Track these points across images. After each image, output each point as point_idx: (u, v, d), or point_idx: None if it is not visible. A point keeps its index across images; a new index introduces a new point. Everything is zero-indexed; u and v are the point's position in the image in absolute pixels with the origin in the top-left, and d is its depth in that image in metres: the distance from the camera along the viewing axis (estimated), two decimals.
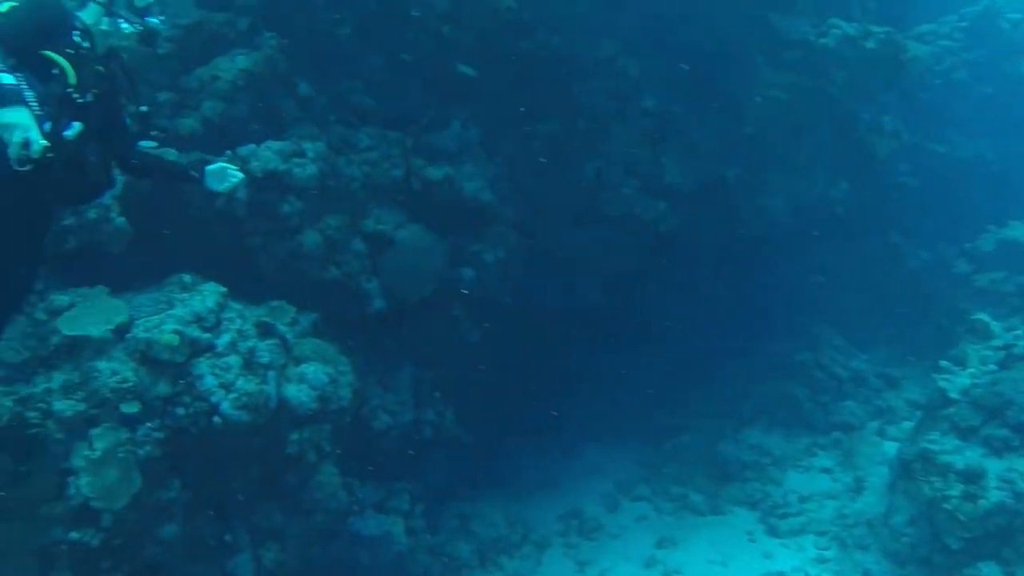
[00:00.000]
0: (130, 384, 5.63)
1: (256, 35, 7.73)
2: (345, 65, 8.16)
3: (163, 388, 5.78)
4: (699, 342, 9.98)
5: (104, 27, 4.11)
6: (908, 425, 9.30)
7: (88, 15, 4.09)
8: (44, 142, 3.37)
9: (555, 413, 9.39)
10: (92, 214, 5.99)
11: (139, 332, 5.83)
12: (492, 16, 7.97)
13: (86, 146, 3.79)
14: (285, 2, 7.89)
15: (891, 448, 9.13)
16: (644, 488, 9.49)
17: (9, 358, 5.45)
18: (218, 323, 6.26)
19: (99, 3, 4.08)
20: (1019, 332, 8.73)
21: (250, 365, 6.19)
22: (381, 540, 7.50)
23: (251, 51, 7.51)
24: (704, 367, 10.28)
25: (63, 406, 5.45)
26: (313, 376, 6.53)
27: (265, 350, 6.35)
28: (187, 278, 6.45)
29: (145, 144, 4.53)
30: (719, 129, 9.56)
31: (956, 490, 7.31)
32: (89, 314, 5.80)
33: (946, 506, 7.29)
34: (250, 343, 6.31)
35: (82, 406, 5.50)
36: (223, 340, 6.17)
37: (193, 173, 4.68)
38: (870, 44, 9.49)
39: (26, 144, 3.32)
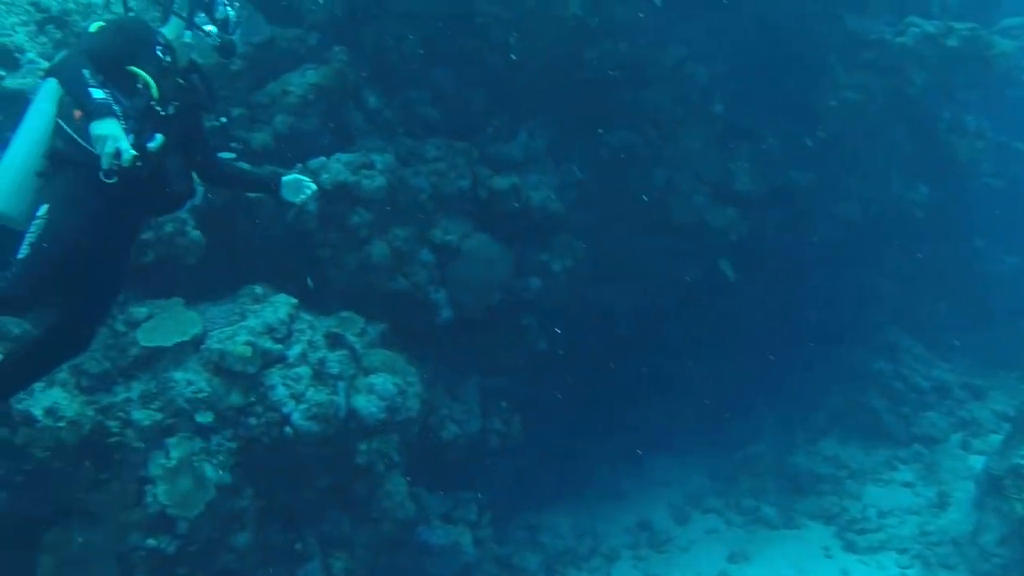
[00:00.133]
0: (204, 394, 5.75)
1: (325, 50, 7.82)
2: (412, 77, 8.20)
3: (236, 398, 5.88)
4: (770, 350, 9.77)
5: (187, 39, 4.23)
6: (996, 438, 8.95)
7: (170, 30, 4.23)
8: (134, 152, 3.49)
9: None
10: (169, 228, 6.12)
11: (213, 343, 5.94)
12: (558, 25, 7.92)
13: (168, 157, 3.93)
14: (353, 17, 7.97)
15: (977, 462, 8.80)
16: (714, 500, 9.34)
17: (91, 368, 5.59)
18: (289, 334, 6.35)
19: (181, 17, 4.20)
20: None
21: (320, 376, 6.26)
22: (448, 550, 7.51)
23: (320, 66, 7.60)
24: (775, 376, 10.06)
25: (141, 415, 5.59)
26: (382, 387, 6.57)
27: (335, 361, 6.41)
28: (259, 290, 6.55)
29: (224, 155, 4.66)
30: (790, 133, 9.38)
31: None
32: (166, 326, 5.92)
33: None
34: (320, 354, 6.38)
35: (159, 416, 5.63)
36: (294, 351, 6.26)
37: (270, 184, 4.78)
38: (952, 42, 9.19)
39: (117, 154, 3.44)
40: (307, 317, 6.61)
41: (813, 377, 10.21)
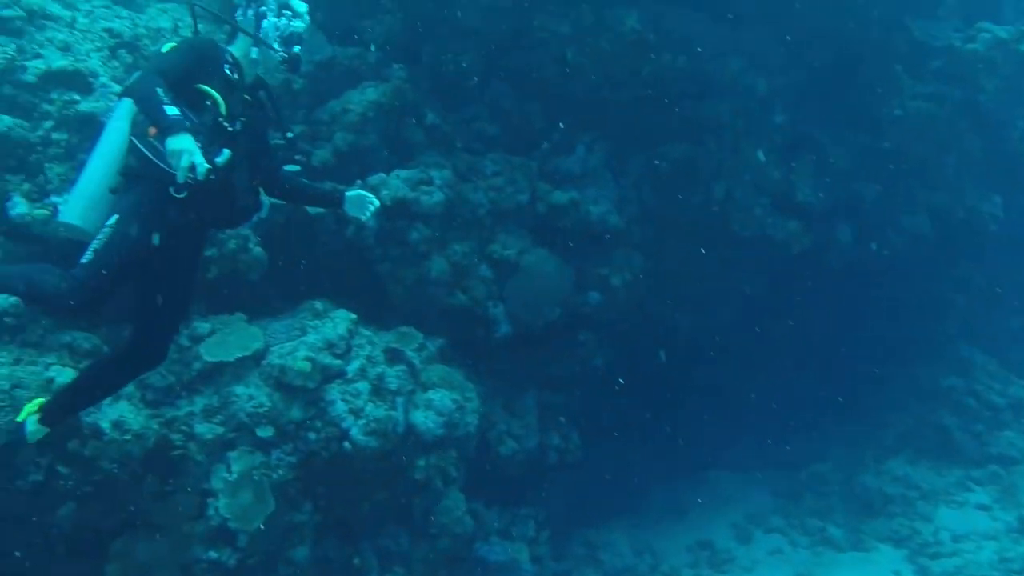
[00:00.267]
0: (265, 409, 5.82)
1: (385, 67, 7.91)
2: (470, 92, 8.25)
3: (296, 413, 5.95)
4: (835, 366, 9.54)
5: (254, 55, 4.34)
6: None
7: (237, 48, 4.34)
8: (208, 165, 3.58)
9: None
10: (232, 245, 6.24)
11: (274, 358, 6.02)
12: (616, 39, 7.89)
13: (235, 172, 4.02)
14: (412, 34, 8.06)
15: None
16: (778, 519, 9.13)
17: (156, 382, 5.71)
18: (348, 349, 6.40)
19: (248, 34, 4.30)
20: None
21: (379, 391, 6.30)
22: (506, 567, 7.47)
23: (380, 83, 7.69)
24: (841, 392, 9.81)
25: (204, 429, 5.69)
26: (440, 402, 6.58)
27: (393, 376, 6.45)
28: (319, 305, 6.62)
29: (289, 167, 4.75)
30: (854, 144, 9.18)
31: None
32: (228, 341, 6.02)
33: None
34: (379, 369, 6.42)
35: (221, 429, 5.72)
36: (353, 366, 6.31)
37: (333, 199, 4.86)
38: None
39: (192, 168, 3.53)
40: (366, 332, 6.66)
41: (881, 394, 9.95)
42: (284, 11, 4.45)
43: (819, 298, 9.19)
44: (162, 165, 3.81)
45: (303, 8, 4.49)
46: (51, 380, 4.91)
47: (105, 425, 5.16)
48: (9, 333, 5.13)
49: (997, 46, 9.03)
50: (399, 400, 6.38)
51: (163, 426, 5.56)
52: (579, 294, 8.23)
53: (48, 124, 5.67)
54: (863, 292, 9.50)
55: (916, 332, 9.95)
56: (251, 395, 5.84)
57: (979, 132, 9.41)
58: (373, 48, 8.00)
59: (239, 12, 4.44)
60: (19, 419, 4.27)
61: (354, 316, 6.59)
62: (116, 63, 6.28)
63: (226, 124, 4.03)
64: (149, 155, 3.87)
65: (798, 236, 8.86)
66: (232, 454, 5.70)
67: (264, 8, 4.39)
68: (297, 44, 4.44)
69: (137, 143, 3.92)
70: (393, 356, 6.60)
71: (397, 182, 7.32)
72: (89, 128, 5.64)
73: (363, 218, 4.86)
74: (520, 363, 8.25)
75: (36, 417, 4.25)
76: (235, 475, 5.62)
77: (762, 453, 9.78)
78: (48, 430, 4.28)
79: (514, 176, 8.02)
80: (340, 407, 6.06)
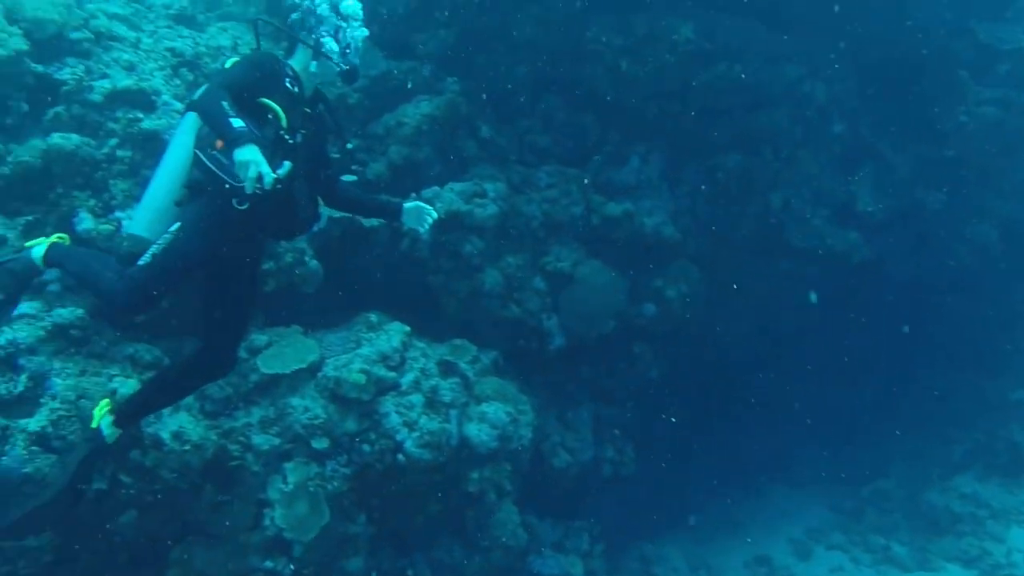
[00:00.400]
0: (320, 421, 5.89)
1: (439, 81, 7.97)
2: (523, 104, 8.26)
3: (351, 425, 6.00)
4: (896, 379, 9.30)
5: (313, 70, 4.43)
6: None
7: (297, 61, 4.44)
8: (275, 175, 3.67)
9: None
10: (289, 258, 6.32)
11: (329, 371, 6.09)
12: (671, 49, 7.84)
13: (295, 183, 4.10)
14: (466, 47, 8.11)
15: None
16: (839, 536, 8.94)
17: (214, 393, 5.81)
18: (402, 362, 6.44)
19: (308, 45, 4.38)
20: None
21: (433, 404, 6.32)
22: None
23: (434, 96, 7.75)
24: (904, 405, 9.58)
25: (260, 440, 5.77)
26: (494, 415, 6.58)
27: (447, 389, 6.47)
28: (374, 317, 6.68)
29: (346, 178, 4.83)
30: (916, 152, 8.97)
31: None
32: (284, 353, 6.11)
33: None
34: (433, 382, 6.45)
35: (277, 441, 5.80)
36: (407, 379, 6.34)
37: (391, 210, 4.94)
38: None
39: (260, 178, 3.62)
40: (420, 345, 6.70)
41: (945, 408, 9.65)
42: (342, 23, 4.54)
43: (879, 310, 8.99)
44: (226, 178, 3.92)
45: (357, 11, 4.58)
46: (114, 391, 5.02)
47: (165, 436, 5.27)
48: (75, 345, 5.25)
49: None
50: (453, 413, 6.39)
51: (221, 437, 5.64)
52: (633, 306, 8.18)
53: (113, 142, 5.82)
54: (925, 303, 9.26)
55: (982, 344, 9.64)
56: (307, 407, 5.91)
57: None
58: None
59: (298, 25, 4.54)
60: (93, 425, 4.42)
61: (408, 328, 6.64)
62: (178, 81, 6.43)
63: (287, 137, 4.13)
64: (213, 168, 3.98)
65: (858, 247, 8.70)
66: (288, 465, 5.77)
67: (323, 20, 4.48)
68: (354, 55, 4.53)
69: (202, 156, 4.03)
70: (447, 369, 6.63)
71: (451, 195, 7.36)
72: (152, 145, 5.79)
73: (421, 229, 4.93)
74: (574, 375, 8.24)
75: (110, 420, 4.45)
76: (291, 486, 5.70)
77: (820, 467, 9.59)
78: (121, 432, 4.50)
79: (568, 188, 8.02)
80: (394, 419, 6.09)
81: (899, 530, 8.89)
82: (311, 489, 5.72)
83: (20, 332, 5.04)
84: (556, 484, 7.87)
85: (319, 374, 6.09)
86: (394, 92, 7.84)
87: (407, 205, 4.89)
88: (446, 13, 8.02)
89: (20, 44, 5.63)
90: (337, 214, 6.42)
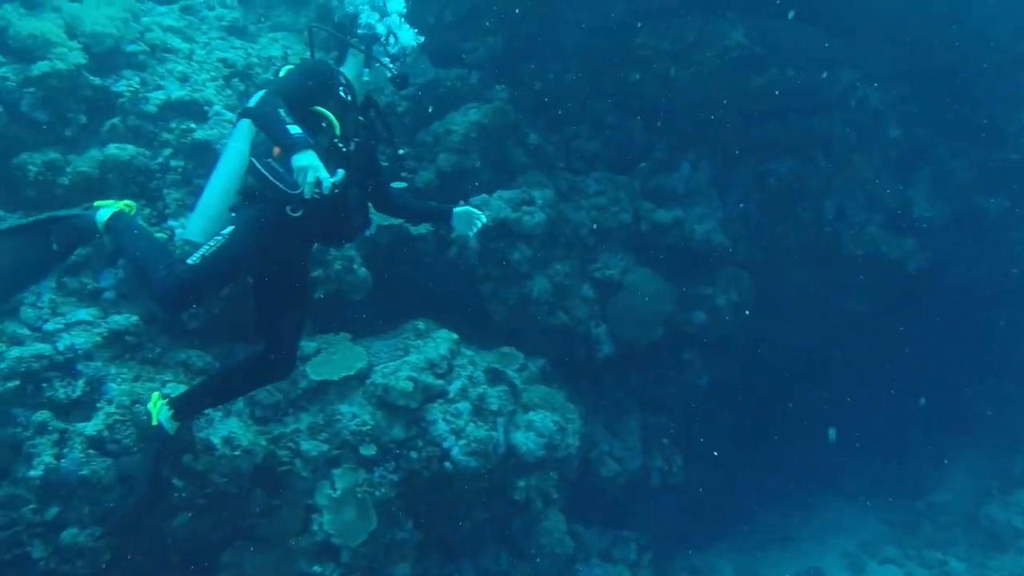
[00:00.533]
0: (368, 428, 5.92)
1: (487, 88, 7.99)
2: (572, 112, 8.24)
3: (398, 432, 6.03)
4: (952, 389, 9.07)
5: (366, 78, 4.47)
6: None
7: (349, 69, 4.48)
8: (333, 180, 3.71)
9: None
10: (338, 266, 6.38)
11: (377, 378, 6.12)
12: (721, 54, 7.76)
13: (348, 190, 4.15)
14: (513, 54, 8.12)
15: None
16: (893, 550, 8.71)
17: (264, 399, 5.88)
18: (450, 369, 6.46)
19: (359, 50, 4.42)
20: None
21: (480, 411, 6.33)
22: None
23: (482, 104, 7.77)
24: (962, 417, 9.32)
25: (309, 446, 5.82)
26: (541, 424, 6.56)
27: (495, 397, 6.47)
28: (421, 325, 6.71)
29: (396, 185, 4.87)
30: (976, 156, 8.73)
31: None
32: (333, 360, 6.16)
33: None
34: (480, 389, 6.45)
35: (325, 447, 5.84)
36: (455, 386, 6.36)
37: (440, 216, 4.98)
38: None
39: (318, 183, 3.67)
40: (468, 352, 6.71)
41: (1004, 419, 9.38)
42: (393, 30, 4.57)
43: (936, 318, 8.77)
44: (280, 185, 3.97)
45: (402, 8, 4.61)
46: (167, 396, 5.11)
47: (216, 441, 5.35)
48: (130, 351, 5.38)
49: None
50: (500, 421, 6.39)
51: (271, 442, 5.71)
52: (683, 313, 8.09)
53: (167, 152, 5.95)
54: (985, 311, 9.02)
55: None
56: (355, 413, 5.95)
57: None
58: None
59: (350, 32, 4.58)
60: (154, 423, 4.50)
61: (456, 336, 6.65)
62: (229, 91, 6.55)
63: (340, 145, 4.18)
64: (268, 175, 4.02)
65: (915, 254, 8.51)
66: (336, 471, 5.81)
67: (374, 27, 4.51)
68: (405, 61, 4.56)
69: (257, 164, 4.08)
70: (494, 376, 6.63)
71: (499, 203, 7.37)
72: (204, 155, 5.90)
73: (470, 234, 4.95)
74: (623, 383, 8.19)
75: (169, 413, 4.53)
76: (339, 492, 5.74)
77: (872, 479, 9.37)
78: (179, 424, 4.59)
79: (617, 195, 7.98)
80: (441, 427, 6.11)
81: (957, 545, 8.65)
82: (359, 495, 5.75)
83: (78, 338, 5.18)
84: (604, 493, 7.82)
85: (367, 381, 6.13)
86: (442, 99, 7.87)
87: (457, 210, 4.92)
88: (494, 21, 8.04)
89: (79, 58, 5.78)
90: (386, 221, 6.46)
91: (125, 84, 6.04)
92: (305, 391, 6.02)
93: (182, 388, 5.21)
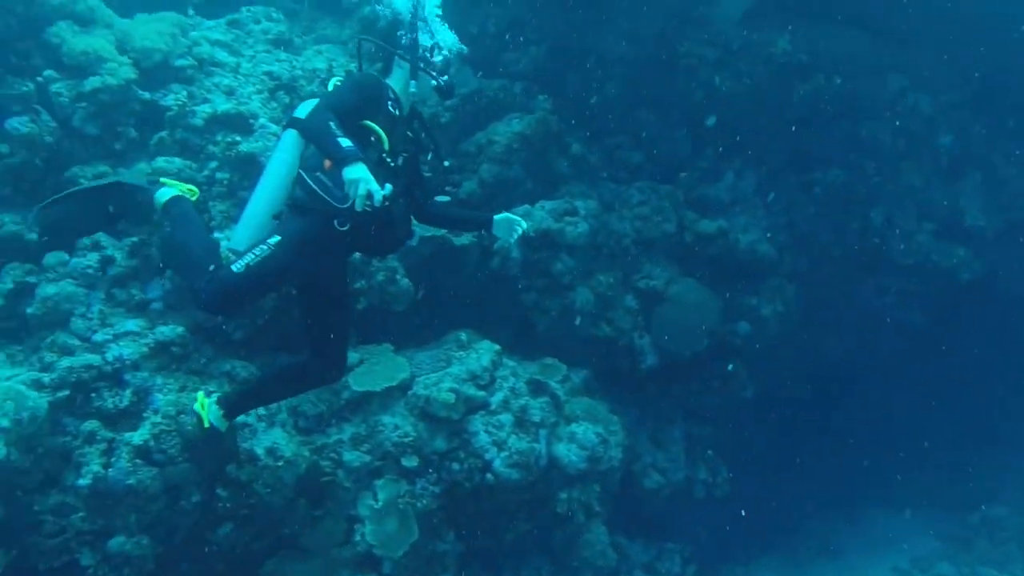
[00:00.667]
0: (410, 439, 5.92)
1: (530, 99, 7.98)
2: (615, 121, 8.20)
3: (440, 444, 6.02)
4: (1009, 400, 8.83)
5: (412, 89, 4.48)
6: None
7: (395, 80, 4.50)
8: (383, 192, 3.73)
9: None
10: (380, 277, 6.40)
11: (419, 389, 6.12)
12: (766, 62, 7.67)
13: (394, 203, 4.15)
14: (557, 64, 8.10)
15: None
16: (947, 567, 8.48)
17: (307, 410, 5.91)
18: (492, 381, 6.42)
19: (405, 59, 4.43)
20: None
21: (522, 423, 6.29)
22: None
23: (525, 114, 7.75)
24: (1017, 429, 9.07)
25: (352, 457, 5.83)
26: (583, 436, 6.51)
27: (537, 408, 6.43)
28: (464, 336, 6.69)
29: (440, 198, 4.89)
30: None
31: None
32: (376, 371, 6.17)
33: None
34: (522, 401, 6.41)
35: (368, 458, 5.85)
36: (496, 398, 6.33)
37: (481, 224, 5.01)
38: None
39: (370, 196, 3.69)
40: (510, 363, 6.68)
41: None
42: (438, 39, 4.59)
43: (988, 328, 8.57)
44: (329, 200, 4.00)
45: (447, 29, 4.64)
46: (213, 395, 5.16)
47: (260, 451, 5.39)
48: (176, 361, 5.45)
49: None
50: (542, 433, 6.35)
51: (313, 453, 5.73)
52: (728, 324, 8.00)
53: (213, 164, 6.03)
54: None
55: None
56: (397, 425, 5.96)
57: None
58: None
59: (397, 43, 4.59)
60: (205, 424, 4.56)
61: (498, 347, 6.63)
62: (275, 104, 6.62)
63: (389, 160, 4.19)
64: (317, 189, 4.06)
65: (967, 263, 8.33)
66: (378, 482, 5.81)
67: (419, 35, 4.53)
68: (449, 72, 4.58)
69: (306, 177, 4.11)
70: (537, 388, 6.59)
71: (542, 213, 7.34)
72: (249, 167, 5.97)
73: (511, 240, 4.96)
74: (666, 394, 8.10)
75: (219, 412, 4.59)
76: (381, 503, 5.74)
77: (924, 492, 9.17)
78: (229, 424, 4.68)
79: (660, 204, 7.91)
80: (483, 439, 6.09)
81: (1013, 561, 8.40)
82: (401, 506, 5.75)
83: (126, 349, 5.26)
84: (647, 505, 7.74)
85: (409, 392, 6.13)
86: (485, 110, 7.88)
87: (497, 217, 4.93)
88: (536, 31, 8.03)
89: (129, 73, 5.90)
90: (428, 232, 6.48)
91: (173, 98, 6.14)
92: (348, 402, 6.04)
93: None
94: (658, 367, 7.68)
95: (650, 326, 7.69)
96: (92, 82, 5.75)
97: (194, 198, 4.74)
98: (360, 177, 3.75)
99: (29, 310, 5.21)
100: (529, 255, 7.28)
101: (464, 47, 4.67)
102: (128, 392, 5.17)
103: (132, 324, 5.37)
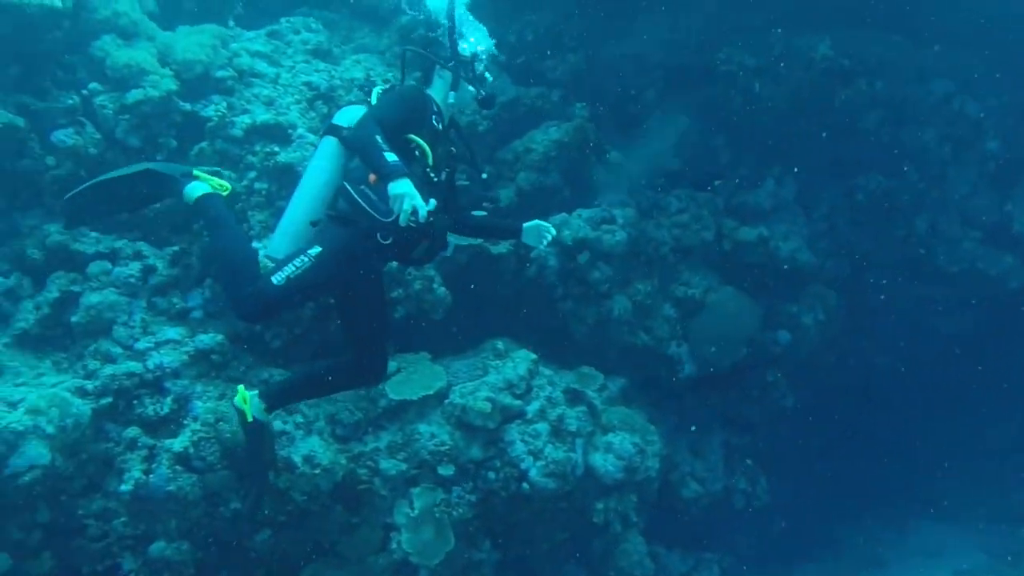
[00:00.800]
0: (447, 447, 5.92)
1: (568, 106, 7.95)
2: (653, 127, 8.15)
3: (476, 452, 6.01)
4: None
5: (451, 100, 4.50)
6: None
7: (436, 91, 4.51)
8: (428, 207, 3.75)
9: None
10: (417, 285, 6.42)
11: (456, 398, 6.12)
12: (807, 67, 7.59)
13: (437, 217, 4.19)
14: (595, 71, 8.07)
15: None
16: None
17: (345, 418, 5.94)
18: (528, 390, 6.41)
19: (448, 69, 4.43)
20: None
21: (558, 432, 6.26)
22: None
23: (562, 122, 7.73)
24: None
25: (388, 465, 5.84)
26: (620, 446, 6.47)
27: (573, 417, 6.39)
28: (500, 344, 6.69)
29: (477, 213, 4.90)
30: None
31: None
32: (413, 379, 6.18)
33: None
34: (559, 410, 6.39)
35: (404, 466, 5.86)
36: (533, 407, 6.31)
37: (512, 231, 5.08)
38: None
39: (414, 211, 3.72)
40: (547, 372, 6.66)
41: None
42: (479, 49, 4.60)
43: None
44: (374, 213, 4.02)
45: (486, 35, 4.67)
46: (254, 391, 5.22)
47: (297, 459, 5.42)
48: (215, 369, 5.51)
49: None
50: (578, 442, 6.32)
51: (350, 461, 5.74)
52: (767, 333, 7.91)
53: (252, 175, 6.10)
54: None
55: None
56: (433, 433, 5.97)
57: None
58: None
59: (438, 53, 4.61)
60: (250, 419, 4.61)
61: (535, 356, 6.61)
62: (313, 114, 6.67)
63: (432, 175, 4.20)
64: (361, 202, 4.08)
65: (1015, 271, 8.16)
66: (415, 490, 5.83)
67: (462, 45, 4.54)
68: (489, 82, 4.59)
69: (350, 190, 4.13)
70: (573, 397, 6.56)
71: (579, 222, 7.32)
72: (287, 177, 6.02)
73: (540, 247, 4.98)
74: (705, 403, 8.03)
75: (262, 406, 4.64)
76: (417, 511, 5.75)
77: (972, 503, 8.97)
78: (272, 416, 4.78)
79: (699, 212, 7.85)
80: (519, 448, 6.07)
81: None
82: (437, 515, 5.76)
83: (166, 357, 5.34)
84: (685, 514, 7.67)
85: (446, 401, 6.14)
86: (523, 118, 7.87)
87: (527, 225, 4.94)
88: (574, 38, 8.02)
89: (171, 85, 5.98)
90: (465, 241, 6.49)
91: (213, 109, 6.22)
92: (385, 410, 6.05)
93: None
94: (696, 376, 7.62)
95: (688, 335, 7.63)
96: (135, 95, 5.84)
97: (226, 193, 4.76)
98: (406, 192, 3.78)
99: (73, 319, 5.30)
100: (565, 263, 7.25)
101: (497, 52, 4.68)
102: (169, 399, 5.24)
103: (173, 332, 5.45)
